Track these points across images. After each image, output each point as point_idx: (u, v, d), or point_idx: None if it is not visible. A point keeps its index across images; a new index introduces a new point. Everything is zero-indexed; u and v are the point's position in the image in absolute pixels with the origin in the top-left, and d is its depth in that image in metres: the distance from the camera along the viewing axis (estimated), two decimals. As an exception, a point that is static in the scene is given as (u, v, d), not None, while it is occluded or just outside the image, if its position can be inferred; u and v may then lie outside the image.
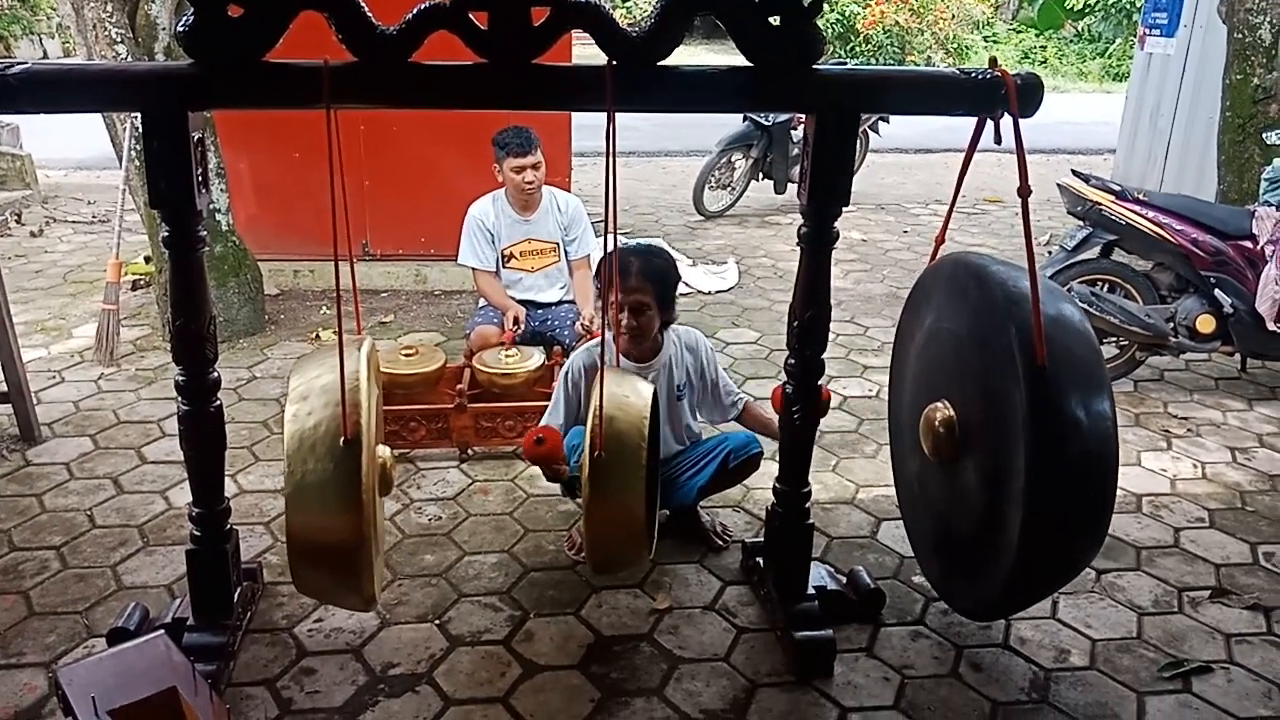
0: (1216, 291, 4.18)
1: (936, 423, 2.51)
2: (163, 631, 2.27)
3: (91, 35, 4.26)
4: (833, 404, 4.06)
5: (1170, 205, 4.30)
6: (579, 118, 5.13)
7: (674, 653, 2.61)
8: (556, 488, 3.29)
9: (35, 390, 3.95)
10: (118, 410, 4.00)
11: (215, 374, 2.39)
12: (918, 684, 2.52)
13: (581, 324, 4.02)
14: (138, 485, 3.41)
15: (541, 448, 2.57)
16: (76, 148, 9.10)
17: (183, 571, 2.58)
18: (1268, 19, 5.48)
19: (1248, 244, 4.14)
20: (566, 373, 3.01)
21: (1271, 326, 4.07)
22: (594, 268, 3.75)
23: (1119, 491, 3.45)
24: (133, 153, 4.47)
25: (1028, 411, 2.16)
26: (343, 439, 2.09)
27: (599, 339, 3.13)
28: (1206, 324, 4.21)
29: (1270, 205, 4.19)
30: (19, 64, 2.04)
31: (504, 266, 4.26)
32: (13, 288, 5.29)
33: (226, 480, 2.58)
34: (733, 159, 7.65)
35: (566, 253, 4.32)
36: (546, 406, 3.08)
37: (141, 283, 5.47)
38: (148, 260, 5.31)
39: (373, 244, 5.63)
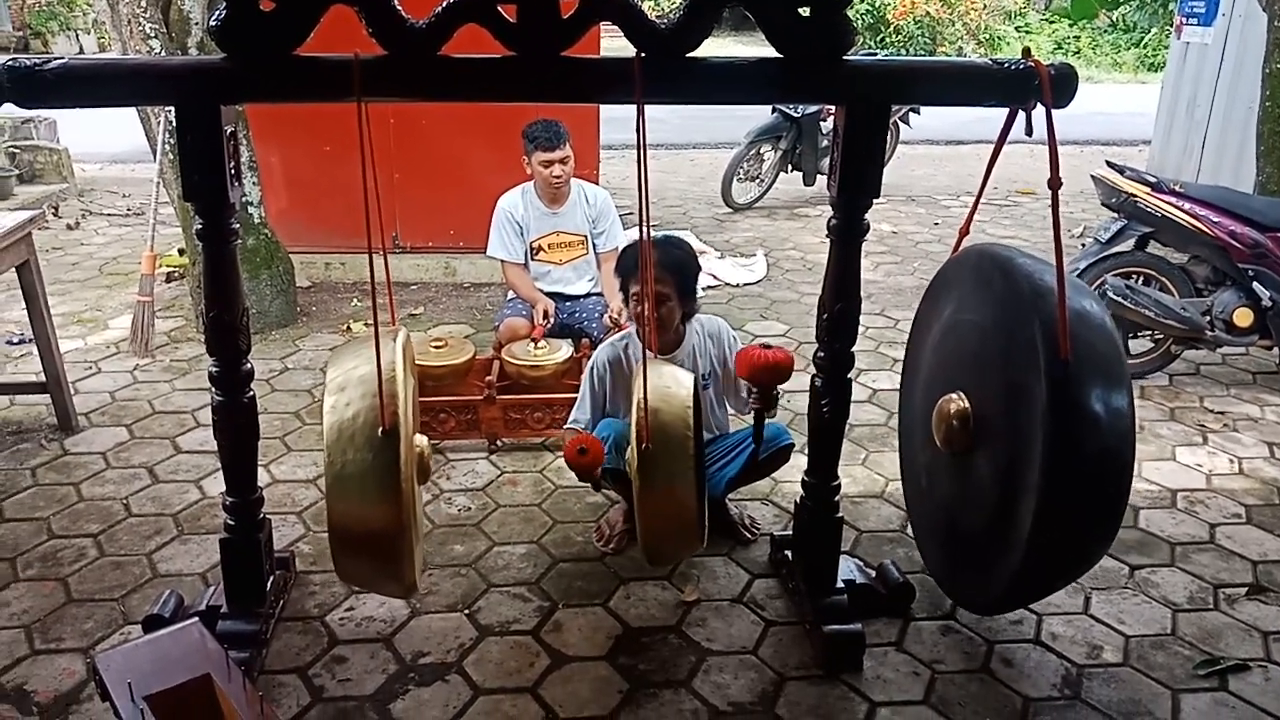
0: (1255, 284, 4.11)
1: (951, 414, 2.48)
2: (197, 619, 2.30)
3: (126, 30, 4.32)
4: (863, 396, 4.09)
5: (1207, 197, 4.23)
6: (607, 110, 5.13)
7: (702, 645, 2.61)
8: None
9: (72, 381, 4.01)
10: (153, 400, 4.05)
11: (248, 365, 2.42)
12: (948, 679, 2.50)
13: (610, 316, 4.03)
14: (172, 474, 3.46)
15: (585, 458, 2.54)
16: (112, 141, 9.21)
17: (217, 560, 2.62)
18: (1309, 6, 5.36)
19: (1287, 236, 4.07)
20: (592, 367, 3.02)
21: (1311, 320, 4.00)
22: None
23: (1153, 486, 3.45)
24: (167, 146, 4.52)
25: (1048, 405, 2.14)
26: (381, 429, 2.11)
27: (624, 332, 3.14)
28: (1244, 317, 4.14)
29: (1311, 196, 4.11)
30: (55, 59, 2.07)
31: (532, 259, 4.27)
32: (50, 280, 5.36)
33: (259, 470, 2.61)
34: (761, 151, 7.62)
35: (595, 245, 4.33)
36: (575, 398, 3.10)
37: (176, 275, 5.54)
38: (181, 253, 5.39)
39: (402, 236, 5.66)
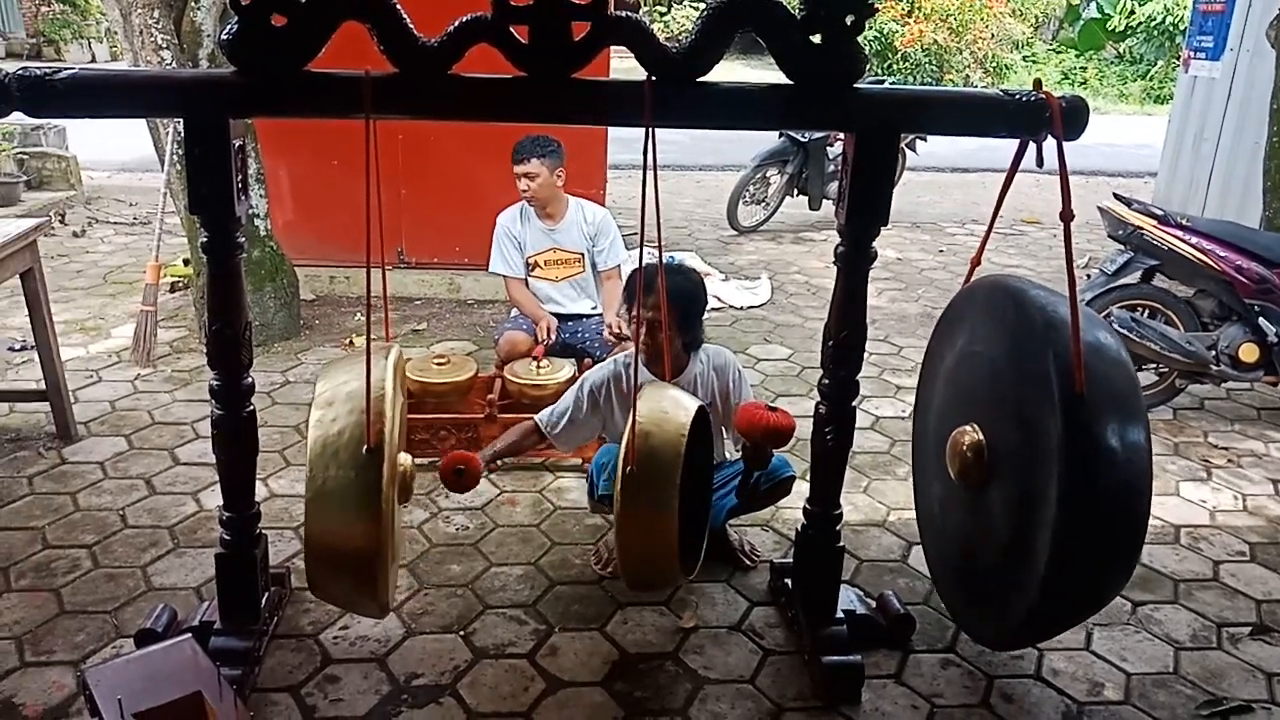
0: (1260, 320, 4.10)
1: (965, 446, 2.46)
2: (189, 635, 2.28)
3: (138, 41, 4.33)
4: (866, 424, 4.06)
5: (1214, 231, 4.23)
6: (615, 130, 5.14)
7: (699, 673, 2.58)
8: (584, 501, 3.28)
9: (73, 389, 4.00)
10: (153, 411, 4.04)
11: (249, 379, 2.41)
12: (947, 713, 2.47)
13: (608, 330, 4.02)
14: (170, 486, 3.44)
15: (461, 480, 2.61)
16: (120, 150, 9.25)
17: (212, 574, 2.60)
18: (1318, 44, 5.37)
19: (1294, 272, 4.06)
20: (585, 379, 3.00)
21: (1317, 357, 3.99)
22: (624, 279, 3.74)
23: (1157, 522, 3.42)
24: (174, 157, 4.52)
25: (1063, 439, 2.12)
26: (365, 447, 2.09)
27: (629, 351, 3.12)
28: (1250, 353, 4.12)
29: (1318, 233, 4.11)
30: (65, 68, 2.07)
31: (529, 275, 4.28)
32: (54, 287, 5.35)
33: (257, 484, 2.59)
34: (768, 174, 7.63)
35: (594, 264, 4.32)
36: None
37: (180, 285, 5.54)
38: (186, 263, 5.38)
39: (408, 252, 5.66)
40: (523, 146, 4.06)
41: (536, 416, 3.04)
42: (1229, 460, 3.98)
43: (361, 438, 2.10)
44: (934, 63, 17.49)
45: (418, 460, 2.64)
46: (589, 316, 4.31)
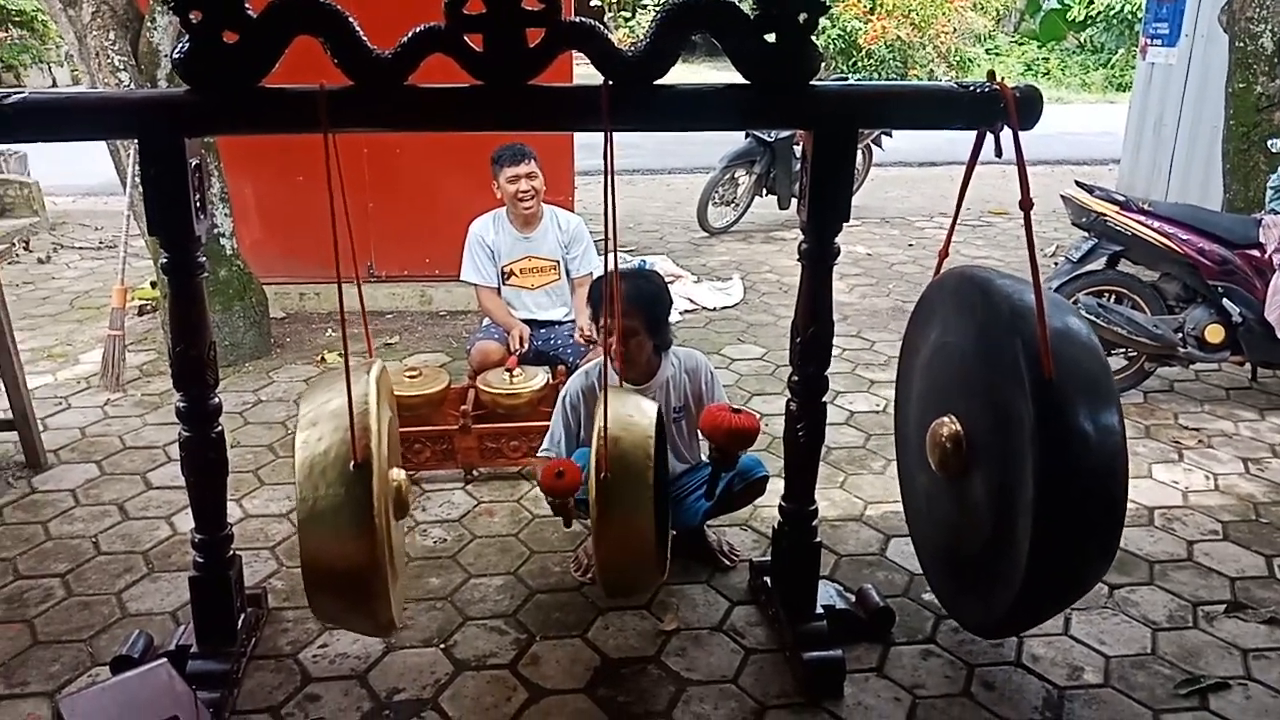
0: (1225, 301, 4.15)
1: (943, 438, 2.48)
2: (165, 659, 2.26)
3: (94, 63, 4.29)
4: (840, 419, 4.08)
5: (1176, 215, 4.28)
6: (581, 136, 5.15)
7: (682, 675, 2.58)
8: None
9: (41, 417, 3.95)
10: (124, 436, 4.00)
11: (216, 399, 2.39)
12: (929, 704, 2.48)
13: (579, 334, 4.02)
14: (143, 511, 3.40)
15: (562, 481, 2.47)
16: (84, 174, 9.15)
17: (187, 598, 2.57)
18: (1269, 27, 5.47)
19: (1255, 253, 4.11)
20: (564, 397, 3.00)
21: (1281, 335, 4.04)
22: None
23: (1131, 505, 3.43)
24: (137, 178, 4.48)
25: (1035, 425, 2.14)
26: (353, 463, 2.08)
27: (596, 360, 3.13)
28: (1215, 334, 4.17)
29: (1277, 213, 4.16)
30: (15, 93, 2.05)
31: (504, 284, 4.27)
32: (19, 314, 5.32)
33: (231, 505, 2.58)
34: (736, 175, 7.66)
35: (568, 271, 4.33)
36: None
37: (148, 308, 5.49)
38: (154, 285, 5.34)
39: (378, 265, 5.63)
40: (516, 150, 4.06)
41: (539, 453, 3.05)
42: (1199, 441, 4.03)
43: (347, 454, 2.08)
44: (898, 58, 17.62)
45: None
46: (562, 323, 4.30)
